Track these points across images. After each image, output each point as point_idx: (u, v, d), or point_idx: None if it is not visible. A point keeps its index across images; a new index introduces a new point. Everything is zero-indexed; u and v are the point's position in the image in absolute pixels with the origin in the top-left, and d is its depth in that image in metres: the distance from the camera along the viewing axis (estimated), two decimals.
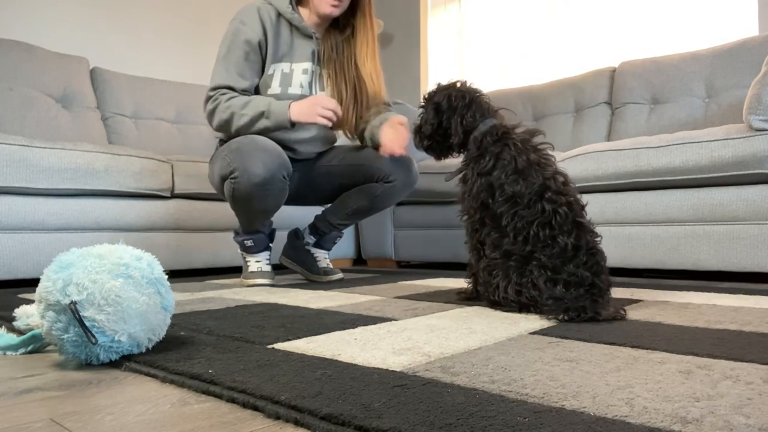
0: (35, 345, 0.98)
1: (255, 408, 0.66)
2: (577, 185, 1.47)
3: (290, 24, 1.95)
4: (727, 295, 1.54)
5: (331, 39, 2.01)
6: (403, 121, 1.93)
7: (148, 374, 0.82)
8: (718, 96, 2.57)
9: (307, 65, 1.96)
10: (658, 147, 2.04)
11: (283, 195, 1.87)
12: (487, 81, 3.77)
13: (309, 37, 1.96)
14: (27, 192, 2.04)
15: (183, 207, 2.44)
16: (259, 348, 0.94)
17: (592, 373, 0.75)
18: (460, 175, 1.45)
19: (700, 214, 2.00)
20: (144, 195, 2.33)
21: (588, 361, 0.82)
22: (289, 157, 1.87)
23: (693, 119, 2.61)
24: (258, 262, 2.02)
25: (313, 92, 1.98)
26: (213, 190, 2.10)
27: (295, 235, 2.16)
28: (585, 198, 1.41)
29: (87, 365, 0.88)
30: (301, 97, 1.92)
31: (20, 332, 1.03)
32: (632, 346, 0.90)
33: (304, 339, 1.00)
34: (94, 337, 0.83)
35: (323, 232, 2.15)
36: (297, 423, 0.61)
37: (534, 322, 1.15)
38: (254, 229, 1.99)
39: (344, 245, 3.01)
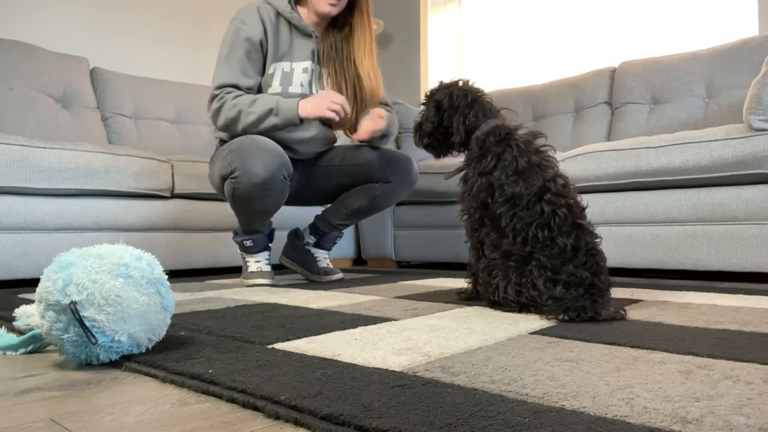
0: (35, 345, 0.98)
1: (255, 408, 0.66)
2: (576, 185, 1.47)
3: (289, 23, 1.95)
4: (727, 295, 1.54)
5: (330, 38, 2.01)
6: (382, 114, 1.93)
7: (148, 374, 0.82)
8: (718, 96, 2.57)
9: (307, 64, 1.96)
10: (658, 147, 2.04)
11: (284, 195, 1.87)
12: (487, 81, 3.77)
13: (308, 36, 1.96)
14: (27, 192, 2.04)
15: (183, 207, 2.44)
16: (259, 348, 0.94)
17: (592, 373, 0.75)
18: (461, 174, 1.45)
19: (700, 214, 2.00)
20: (144, 195, 2.33)
21: (588, 361, 0.82)
22: (289, 157, 1.87)
23: (693, 119, 2.61)
24: (258, 262, 2.02)
25: (313, 91, 1.98)
26: (213, 190, 2.10)
27: (295, 235, 2.16)
28: (585, 198, 1.41)
29: (87, 365, 0.88)
30: (303, 95, 1.93)
31: (20, 332, 1.03)
32: (632, 346, 0.90)
33: (304, 339, 1.00)
34: (94, 337, 0.83)
35: (323, 232, 2.15)
36: (297, 423, 0.61)
37: (534, 322, 1.15)
38: (254, 229, 1.99)
39: (344, 245, 3.01)
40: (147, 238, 2.32)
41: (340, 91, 1.99)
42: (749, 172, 1.87)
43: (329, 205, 2.15)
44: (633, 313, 1.23)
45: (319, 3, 1.91)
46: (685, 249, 2.03)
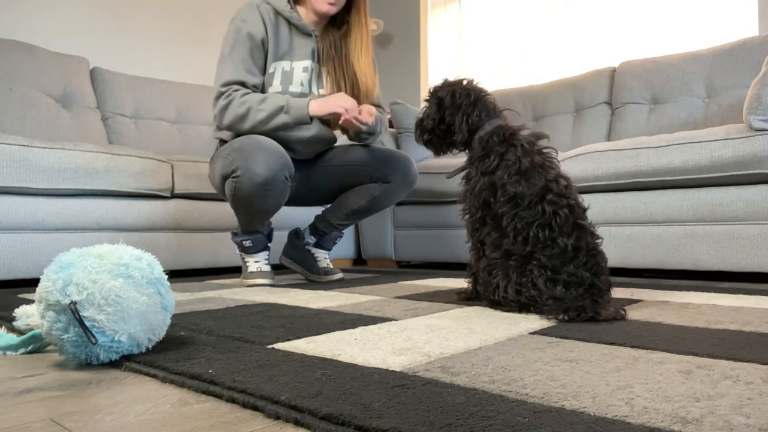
0: (35, 345, 0.98)
1: (255, 408, 0.66)
2: (576, 185, 1.47)
3: (289, 22, 1.95)
4: (727, 295, 1.54)
5: (330, 36, 2.02)
6: (372, 111, 1.93)
7: (148, 374, 0.82)
8: (718, 96, 2.57)
9: (307, 63, 1.96)
10: (658, 147, 2.04)
11: (284, 195, 1.87)
12: (487, 81, 3.73)
13: (308, 35, 1.97)
14: (27, 192, 2.04)
15: (183, 207, 2.44)
16: (259, 348, 0.94)
17: (592, 373, 0.75)
18: (463, 174, 1.45)
19: (700, 214, 2.00)
20: (144, 195, 2.33)
21: (588, 361, 0.82)
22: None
23: (693, 119, 2.61)
24: (257, 263, 2.02)
25: (313, 90, 1.99)
26: (213, 190, 2.10)
27: (295, 235, 2.16)
28: (585, 198, 1.41)
29: (87, 365, 0.88)
30: (302, 94, 1.94)
31: (20, 332, 1.03)
32: (632, 346, 0.90)
33: (304, 339, 1.00)
34: (94, 337, 0.83)
35: (323, 233, 2.15)
36: (297, 423, 0.61)
37: (534, 322, 1.15)
38: (253, 229, 1.99)
39: (344, 245, 3.01)
40: (147, 238, 2.32)
41: (339, 89, 1.99)
42: (749, 172, 1.87)
43: (329, 206, 2.16)
44: (633, 313, 1.23)
45: (318, 2, 1.92)
46: (685, 249, 2.03)
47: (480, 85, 1.47)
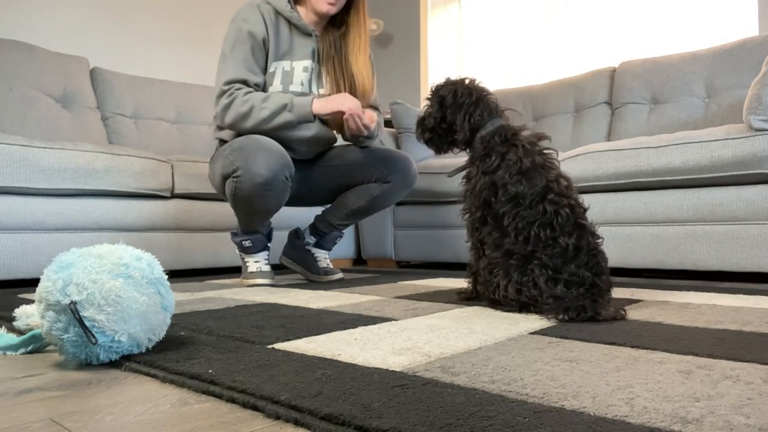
0: (35, 345, 0.98)
1: (255, 408, 0.66)
2: (577, 185, 1.47)
3: (289, 22, 1.95)
4: (727, 295, 1.54)
5: (330, 36, 2.02)
6: (374, 117, 1.94)
7: (148, 374, 0.82)
8: (718, 96, 2.57)
9: (308, 63, 1.97)
10: (658, 147, 2.04)
11: (285, 196, 1.87)
12: (487, 81, 3.73)
13: (308, 35, 1.97)
14: (27, 192, 2.04)
15: (183, 207, 2.44)
16: (259, 348, 0.94)
17: (592, 373, 0.75)
18: (464, 173, 1.45)
19: (700, 214, 2.00)
20: (144, 195, 2.33)
21: (588, 361, 0.82)
22: None
23: (693, 119, 2.61)
24: (257, 263, 2.02)
25: (313, 90, 1.99)
26: (213, 190, 2.10)
27: (295, 235, 2.16)
28: (585, 198, 1.41)
29: (87, 365, 0.88)
30: (302, 94, 1.94)
31: (20, 332, 1.03)
32: (632, 346, 0.90)
33: (304, 339, 1.00)
34: (94, 337, 0.83)
35: (323, 233, 2.15)
36: (297, 423, 0.61)
37: (534, 322, 1.15)
38: (253, 229, 1.99)
39: (344, 245, 3.01)
40: (147, 238, 2.32)
41: (339, 89, 2.00)
42: (749, 172, 1.87)
43: (329, 206, 2.16)
44: (633, 313, 1.23)
45: (318, 2, 1.92)
46: (685, 249, 2.03)
47: (482, 85, 1.47)
